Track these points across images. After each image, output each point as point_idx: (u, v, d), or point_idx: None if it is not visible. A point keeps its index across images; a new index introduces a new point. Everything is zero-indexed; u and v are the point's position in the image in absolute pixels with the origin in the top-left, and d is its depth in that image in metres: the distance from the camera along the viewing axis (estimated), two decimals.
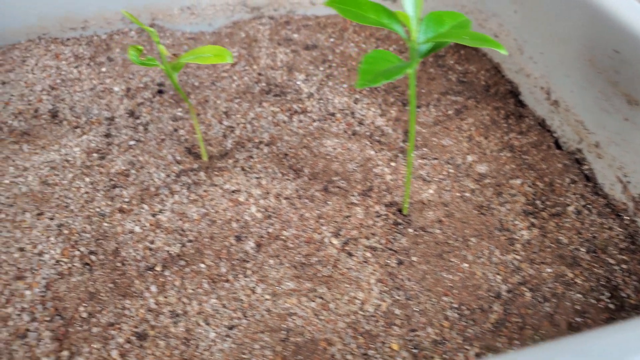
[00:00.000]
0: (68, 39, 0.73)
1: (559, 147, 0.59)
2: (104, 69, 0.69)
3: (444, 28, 0.42)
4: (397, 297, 0.46)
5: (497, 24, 0.68)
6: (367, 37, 0.74)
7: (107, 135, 0.60)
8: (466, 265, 0.48)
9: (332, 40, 0.74)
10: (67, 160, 0.57)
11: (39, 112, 0.64)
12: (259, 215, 0.52)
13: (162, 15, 0.75)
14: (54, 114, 0.63)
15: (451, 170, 0.56)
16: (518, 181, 0.55)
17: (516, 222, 0.52)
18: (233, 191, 0.54)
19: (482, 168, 0.57)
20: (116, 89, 0.66)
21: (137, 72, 0.69)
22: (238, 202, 0.53)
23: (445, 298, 0.46)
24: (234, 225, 0.51)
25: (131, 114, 0.63)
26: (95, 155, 0.58)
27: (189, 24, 0.76)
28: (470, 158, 0.58)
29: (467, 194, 0.54)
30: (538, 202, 0.54)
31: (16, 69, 0.69)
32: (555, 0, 0.56)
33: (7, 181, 0.55)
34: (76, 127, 0.62)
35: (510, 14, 0.65)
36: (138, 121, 0.62)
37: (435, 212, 0.52)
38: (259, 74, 0.69)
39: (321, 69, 0.69)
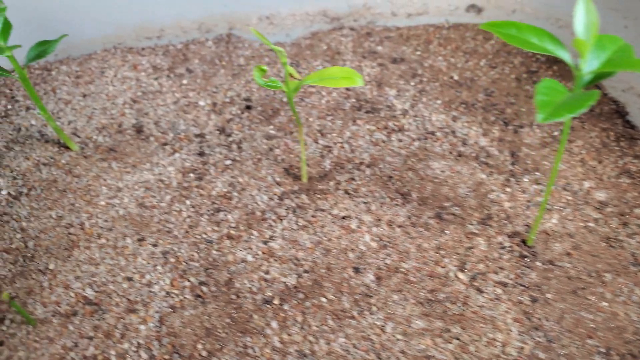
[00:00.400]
0: (143, 49, 0.71)
1: None
2: (184, 81, 0.66)
3: (605, 54, 0.39)
4: (538, 339, 0.43)
5: None
6: (453, 50, 0.71)
7: (201, 154, 0.57)
8: (605, 304, 0.45)
9: (418, 53, 0.71)
10: (162, 181, 0.54)
11: (123, 126, 0.61)
12: (373, 244, 0.49)
13: (240, 25, 0.72)
14: (138, 129, 0.61)
15: (569, 198, 0.53)
16: None
17: None
18: (343, 217, 0.51)
19: (601, 195, 0.54)
20: (201, 103, 0.64)
21: (221, 85, 0.66)
22: (350, 230, 0.50)
23: (589, 341, 0.43)
24: (350, 255, 0.48)
25: (222, 130, 0.60)
26: (191, 175, 0.55)
27: (266, 34, 0.73)
28: (587, 184, 0.54)
29: (591, 224, 0.51)
30: None
31: (96, 81, 0.66)
32: None
33: (102, 202, 0.52)
34: (165, 144, 0.59)
35: (619, 28, 0.62)
36: (230, 139, 0.59)
37: (562, 244, 0.49)
38: (347, 89, 0.66)
39: (412, 84, 0.66)
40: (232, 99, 0.64)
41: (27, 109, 0.63)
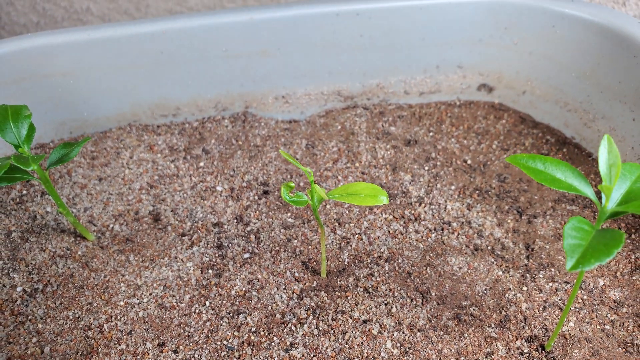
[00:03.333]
0: (159, 126, 0.71)
1: None
2: (201, 164, 0.67)
3: (626, 184, 0.40)
4: None
5: (608, 127, 0.66)
6: (465, 131, 0.72)
7: (219, 247, 0.58)
8: None
9: (431, 134, 0.72)
10: (181, 278, 0.55)
11: (140, 214, 0.61)
12: (395, 351, 0.49)
13: (256, 104, 0.73)
14: (155, 217, 0.61)
15: (585, 297, 0.54)
16: None
17: None
18: (364, 321, 0.51)
19: (616, 294, 0.54)
20: (219, 188, 0.64)
21: (238, 168, 0.66)
22: (372, 336, 0.50)
23: None
24: None
25: (239, 219, 0.61)
26: (210, 272, 0.55)
27: (281, 112, 0.74)
28: (601, 282, 0.55)
29: (608, 327, 0.52)
30: None
31: (112, 163, 0.66)
32: None
33: (122, 302, 0.52)
34: (183, 235, 0.59)
35: (627, 120, 0.63)
36: (248, 228, 0.60)
37: (580, 350, 0.50)
38: (362, 173, 0.67)
39: (426, 168, 0.67)
40: (249, 184, 0.65)
41: (43, 194, 0.63)
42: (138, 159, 0.67)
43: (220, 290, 0.54)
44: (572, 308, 0.53)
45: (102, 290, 0.54)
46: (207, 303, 0.52)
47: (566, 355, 0.49)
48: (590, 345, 0.50)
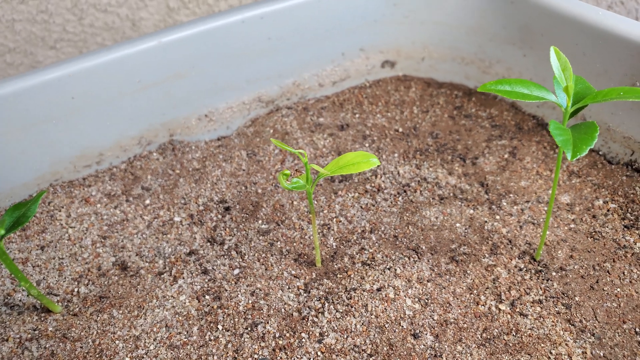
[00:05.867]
0: (85, 178, 0.66)
1: (610, 162, 0.66)
2: (147, 201, 0.63)
3: (577, 89, 0.46)
4: (590, 340, 0.48)
5: (504, 68, 0.75)
6: (385, 106, 0.77)
7: (205, 272, 0.55)
8: (618, 289, 0.52)
9: (357, 116, 0.75)
10: (180, 313, 0.51)
11: (103, 268, 0.56)
12: (417, 306, 0.51)
13: (180, 129, 0.71)
14: (122, 266, 0.56)
15: (545, 208, 0.60)
16: (600, 201, 0.61)
17: (627, 238, 0.57)
18: (378, 289, 0.52)
19: (566, 198, 0.61)
20: (177, 218, 0.61)
21: (187, 195, 0.63)
22: (391, 300, 0.51)
23: (624, 325, 0.49)
24: (403, 324, 0.49)
25: (212, 241, 0.58)
26: (207, 297, 0.52)
27: (207, 132, 0.72)
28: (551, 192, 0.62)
29: (572, 225, 0.58)
30: (629, 215, 0.59)
31: (48, 228, 0.59)
32: (581, 39, 0.64)
33: (127, 359, 0.47)
34: (160, 274, 0.55)
35: (519, 58, 0.72)
36: (225, 247, 0.57)
37: (562, 250, 0.55)
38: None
39: (366, 144, 0.70)
40: (206, 206, 0.62)
41: None
42: (77, 215, 0.61)
43: (226, 310, 0.51)
44: (542, 220, 0.59)
45: (97, 357, 0.48)
46: (220, 327, 0.49)
47: (553, 258, 0.55)
48: (567, 244, 0.56)
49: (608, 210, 0.59)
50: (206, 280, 0.54)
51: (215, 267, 0.55)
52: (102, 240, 0.58)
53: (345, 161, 0.45)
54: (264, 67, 0.73)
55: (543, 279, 0.53)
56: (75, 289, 0.54)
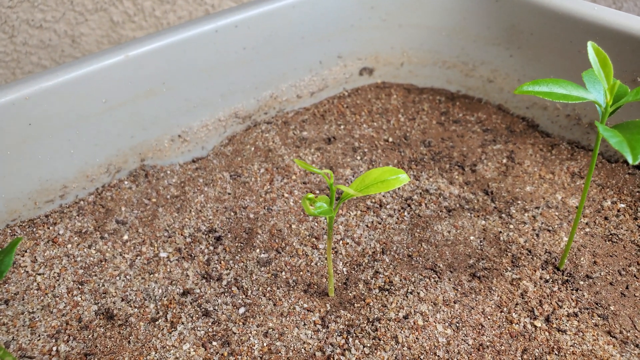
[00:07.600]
0: (47, 216, 0.57)
1: (609, 161, 0.65)
2: (125, 237, 0.55)
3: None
4: (635, 352, 0.45)
5: (489, 70, 0.72)
6: (368, 115, 0.73)
7: (207, 314, 0.48)
8: None
9: (342, 127, 0.70)
10: None
11: (85, 319, 0.48)
12: (449, 331, 0.46)
13: (152, 153, 0.63)
14: (108, 315, 0.48)
15: (556, 213, 0.58)
16: (608, 202, 0.59)
17: None
18: (405, 317, 0.47)
19: (574, 202, 0.59)
20: (163, 254, 0.53)
21: (171, 226, 0.56)
22: (420, 327, 0.46)
23: None
24: (439, 353, 0.44)
25: (208, 277, 0.51)
26: (215, 344, 0.45)
27: (180, 154, 0.65)
28: (559, 196, 0.60)
29: (588, 230, 0.56)
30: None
31: (12, 277, 0.50)
32: (570, 37, 0.62)
33: None
34: (154, 320, 0.47)
35: (506, 58, 0.70)
36: (224, 282, 0.51)
37: (584, 257, 0.53)
38: (304, 183, 0.62)
39: (358, 158, 0.66)
40: (194, 237, 0.55)
41: None
42: (44, 259, 0.52)
43: (239, 357, 0.44)
44: (556, 226, 0.56)
45: None
46: None
47: (577, 265, 0.52)
48: (587, 249, 0.54)
49: (618, 211, 0.58)
50: (209, 324, 0.47)
51: (217, 307, 0.48)
52: (79, 287, 0.50)
53: (371, 179, 0.40)
54: (239, 80, 0.67)
55: (572, 289, 0.50)
56: (54, 348, 0.45)
